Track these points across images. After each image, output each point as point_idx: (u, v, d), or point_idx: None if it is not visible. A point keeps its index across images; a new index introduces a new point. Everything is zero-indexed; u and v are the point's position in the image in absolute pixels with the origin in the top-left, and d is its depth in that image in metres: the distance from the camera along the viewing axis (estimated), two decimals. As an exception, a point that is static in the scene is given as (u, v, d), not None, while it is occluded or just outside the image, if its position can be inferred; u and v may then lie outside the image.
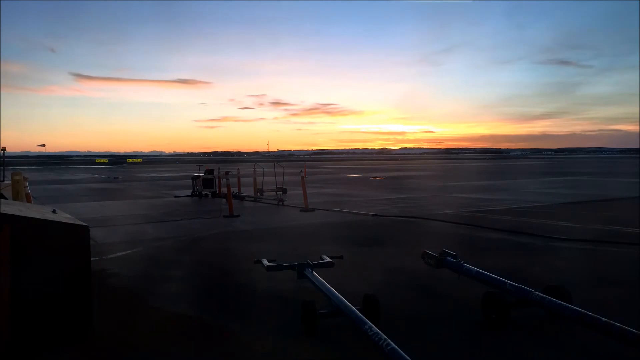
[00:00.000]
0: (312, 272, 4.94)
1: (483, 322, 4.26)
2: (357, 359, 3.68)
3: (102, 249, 7.65)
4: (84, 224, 4.17)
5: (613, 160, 73.81)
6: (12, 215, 3.73)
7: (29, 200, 8.81)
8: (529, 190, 18.70)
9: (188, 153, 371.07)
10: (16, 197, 8.42)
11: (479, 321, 4.28)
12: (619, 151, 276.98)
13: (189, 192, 17.98)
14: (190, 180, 18.54)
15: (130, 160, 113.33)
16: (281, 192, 15.02)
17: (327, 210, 12.62)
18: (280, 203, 14.21)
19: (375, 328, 3.45)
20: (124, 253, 7.48)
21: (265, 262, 5.51)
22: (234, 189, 15.81)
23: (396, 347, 3.13)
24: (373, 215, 11.53)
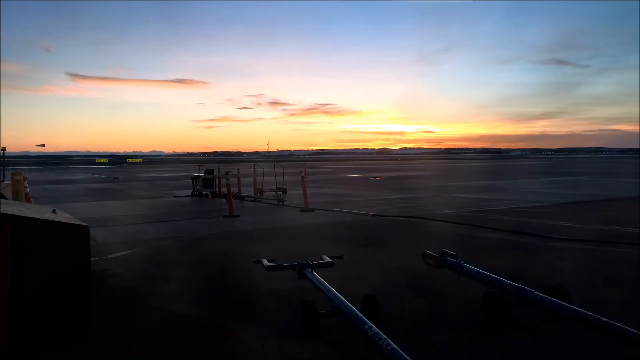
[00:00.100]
0: (312, 272, 4.93)
1: (483, 322, 4.25)
2: (357, 359, 3.68)
3: (102, 249, 7.65)
4: (84, 224, 4.17)
5: (613, 160, 73.82)
6: (12, 215, 3.73)
7: (28, 200, 8.81)
8: (529, 190, 18.70)
9: (188, 153, 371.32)
10: (16, 197, 8.42)
11: (479, 321, 4.28)
12: (619, 151, 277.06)
13: (189, 192, 17.99)
14: (190, 180, 18.55)
15: (130, 160, 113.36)
16: (281, 192, 15.02)
17: (327, 210, 12.62)
18: (280, 203, 14.21)
19: (375, 328, 3.45)
20: (124, 253, 7.48)
21: (265, 262, 5.51)
22: (234, 189, 15.81)
23: (396, 347, 3.13)
24: (373, 215, 11.53)
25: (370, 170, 41.47)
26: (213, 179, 16.99)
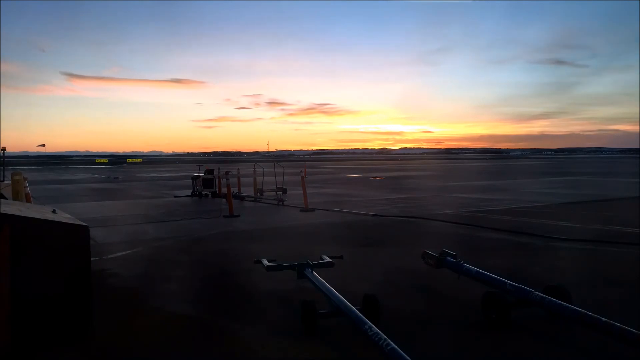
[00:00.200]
0: (312, 272, 4.93)
1: (483, 322, 4.25)
2: (357, 359, 3.68)
3: (102, 249, 7.65)
4: (84, 224, 4.17)
5: (613, 160, 73.82)
6: (12, 215, 3.73)
7: (28, 200, 8.81)
8: (529, 190, 18.70)
9: (187, 153, 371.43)
10: (16, 197, 8.41)
11: (479, 321, 4.28)
12: (619, 151, 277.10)
13: (189, 192, 17.98)
14: (190, 180, 18.55)
15: (130, 160, 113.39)
16: (281, 192, 15.02)
17: (327, 210, 12.62)
18: (280, 203, 14.21)
19: (375, 328, 3.45)
20: (124, 253, 7.48)
21: (265, 262, 5.51)
22: (234, 189, 15.81)
23: (396, 347, 3.13)
24: (373, 215, 11.53)
25: (370, 170, 41.47)
26: (213, 179, 17.00)
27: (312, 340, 3.95)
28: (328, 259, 5.51)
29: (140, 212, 12.68)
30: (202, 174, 17.46)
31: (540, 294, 4.20)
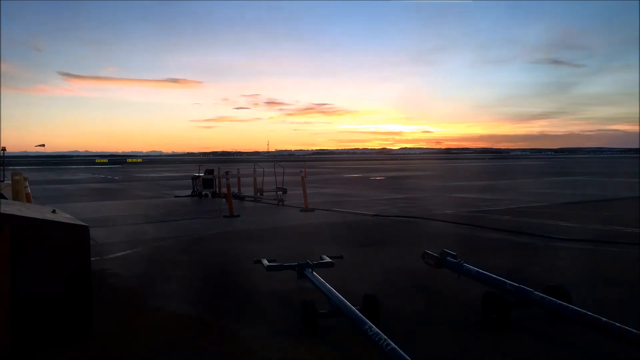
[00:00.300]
0: (312, 272, 4.94)
1: (483, 322, 4.25)
2: (357, 359, 3.68)
3: (102, 249, 7.65)
4: (84, 224, 4.17)
5: (613, 160, 73.82)
6: (12, 215, 3.73)
7: (28, 200, 8.81)
8: (529, 190, 18.70)
9: (187, 153, 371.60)
10: (16, 197, 8.41)
11: (479, 321, 4.28)
12: (618, 151, 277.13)
13: (189, 192, 17.99)
14: (190, 180, 18.55)
15: (130, 160, 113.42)
16: (281, 192, 15.02)
17: (327, 210, 12.62)
18: (280, 203, 14.21)
19: (375, 328, 3.45)
20: (124, 253, 7.48)
21: (265, 262, 5.51)
22: (234, 189, 15.81)
23: (396, 347, 3.12)
24: (373, 215, 11.53)
25: (370, 170, 41.47)
26: (213, 179, 17.00)
27: (312, 340, 3.95)
28: (328, 259, 5.51)
29: (140, 212, 12.68)
30: (202, 174, 17.46)
31: (540, 294, 4.20)
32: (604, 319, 3.61)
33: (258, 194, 15.55)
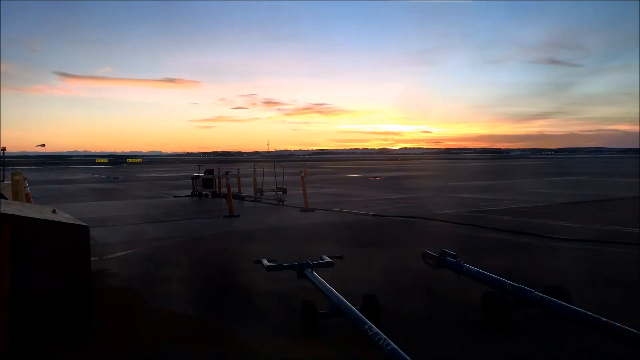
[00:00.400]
0: (312, 272, 4.93)
1: (483, 322, 4.25)
2: (357, 359, 3.68)
3: (102, 249, 7.65)
4: (84, 224, 4.17)
5: (613, 160, 73.81)
6: (12, 215, 3.73)
7: (28, 200, 8.81)
8: (529, 190, 18.70)
9: (187, 153, 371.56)
10: (16, 197, 8.41)
11: (479, 321, 4.28)
12: (618, 151, 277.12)
13: (189, 192, 17.99)
14: (190, 180, 18.55)
15: (130, 160, 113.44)
16: (281, 192, 15.02)
17: (327, 210, 12.62)
18: (280, 203, 14.21)
19: (375, 328, 3.44)
20: (124, 253, 7.48)
21: (265, 262, 5.51)
22: (234, 189, 15.81)
23: (396, 347, 3.12)
24: (373, 215, 11.53)
25: (370, 171, 41.47)
26: (213, 179, 17.00)
27: (312, 340, 3.95)
28: (328, 259, 5.51)
29: (140, 212, 12.68)
30: (202, 174, 17.46)
31: (540, 294, 4.19)
32: (604, 319, 3.60)
33: (258, 194, 15.55)
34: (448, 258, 5.38)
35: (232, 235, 9.17)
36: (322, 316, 4.10)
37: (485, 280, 4.81)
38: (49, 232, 3.89)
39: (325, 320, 4.12)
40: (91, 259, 4.12)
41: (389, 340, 3.21)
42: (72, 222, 4.21)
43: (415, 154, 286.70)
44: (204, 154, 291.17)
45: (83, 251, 4.00)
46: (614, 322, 3.51)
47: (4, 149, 10.65)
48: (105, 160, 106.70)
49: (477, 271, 4.98)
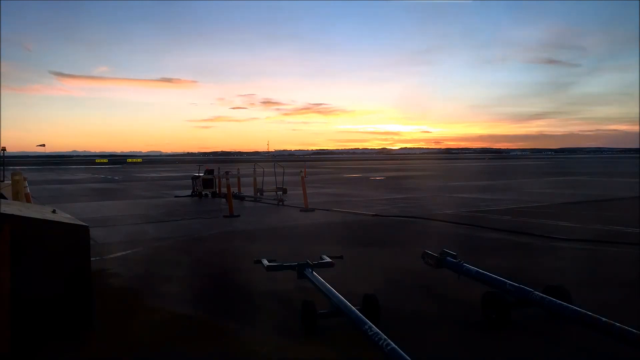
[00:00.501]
0: (312, 272, 4.93)
1: (483, 322, 4.25)
2: (357, 359, 3.68)
3: (102, 249, 7.65)
4: (84, 224, 4.17)
5: (613, 160, 73.81)
6: (12, 215, 3.73)
7: (28, 200, 8.81)
8: (529, 190, 18.70)
9: (187, 153, 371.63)
10: (16, 197, 8.42)
11: (479, 321, 4.28)
12: (618, 151, 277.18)
13: (188, 192, 17.99)
14: (190, 180, 18.55)
15: (130, 160, 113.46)
16: (281, 192, 15.02)
17: (327, 210, 12.62)
18: (280, 203, 14.21)
19: (375, 328, 3.45)
20: (124, 253, 7.48)
21: (265, 262, 5.51)
22: (234, 189, 15.81)
23: (396, 347, 3.12)
24: (373, 215, 11.53)
25: (370, 170, 41.47)
26: (213, 179, 17.00)
27: (312, 340, 3.95)
28: (328, 259, 5.51)
29: (140, 212, 12.68)
30: (202, 174, 17.46)
31: (540, 294, 4.19)
32: (604, 319, 3.60)
33: (258, 194, 15.55)
34: (448, 258, 5.38)
35: (232, 235, 9.17)
36: (322, 316, 4.10)
37: (485, 280, 4.81)
38: (49, 232, 3.89)
39: (325, 320, 4.12)
40: (91, 258, 4.12)
41: (389, 340, 3.21)
42: (72, 222, 4.21)
43: (415, 154, 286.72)
44: (204, 154, 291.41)
45: (83, 251, 4.01)
46: (614, 322, 3.51)
47: (4, 149, 10.65)
48: (105, 160, 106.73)
49: (477, 271, 4.98)
